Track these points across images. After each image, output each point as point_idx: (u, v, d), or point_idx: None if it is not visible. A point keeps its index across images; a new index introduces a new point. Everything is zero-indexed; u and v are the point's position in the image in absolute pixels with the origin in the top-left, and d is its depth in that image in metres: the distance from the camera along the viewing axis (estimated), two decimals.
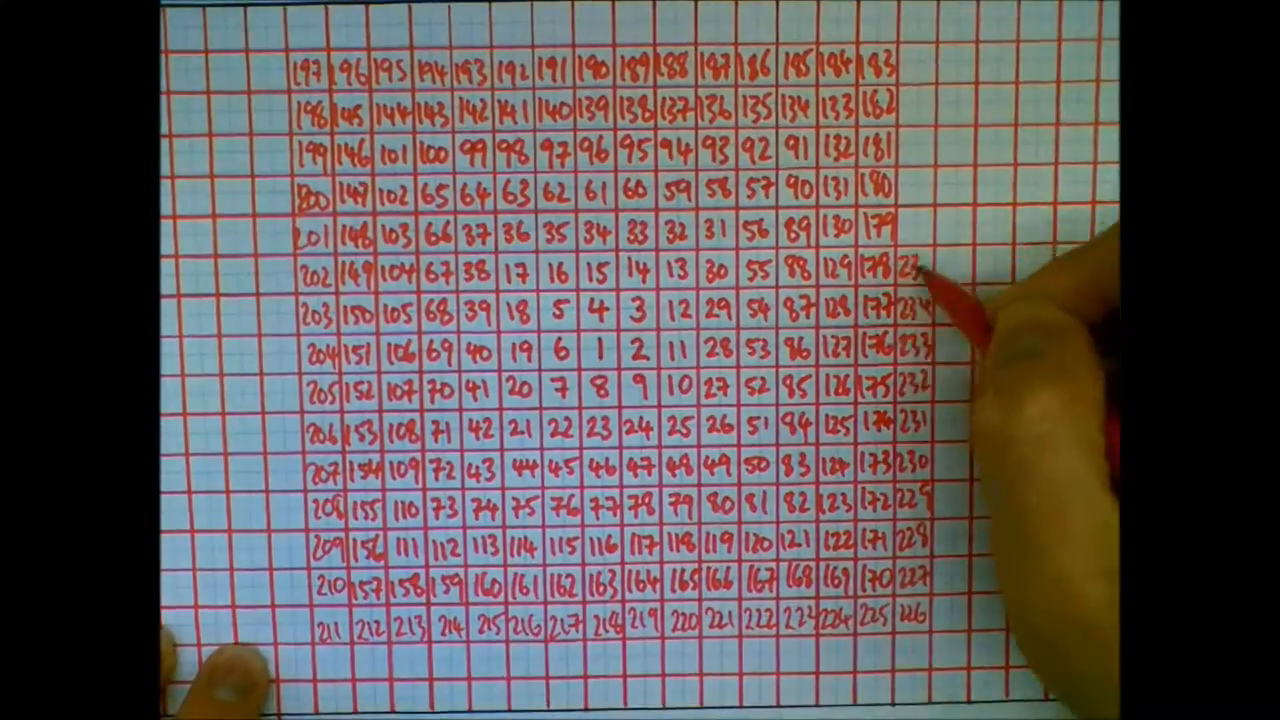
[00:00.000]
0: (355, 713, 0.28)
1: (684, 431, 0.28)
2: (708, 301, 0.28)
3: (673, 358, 0.28)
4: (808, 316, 0.28)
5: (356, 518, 0.28)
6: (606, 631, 0.28)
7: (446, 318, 0.28)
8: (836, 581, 0.28)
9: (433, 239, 0.27)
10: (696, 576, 0.28)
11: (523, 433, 0.28)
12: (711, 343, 0.28)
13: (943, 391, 0.28)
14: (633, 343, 0.28)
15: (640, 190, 0.27)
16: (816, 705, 0.28)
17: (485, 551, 0.28)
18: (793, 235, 0.27)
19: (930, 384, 0.28)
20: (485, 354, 0.28)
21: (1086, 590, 0.19)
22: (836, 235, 0.27)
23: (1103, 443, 0.21)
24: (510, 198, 0.27)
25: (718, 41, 0.27)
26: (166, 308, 0.28)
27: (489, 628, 0.28)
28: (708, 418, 0.28)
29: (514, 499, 0.28)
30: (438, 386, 0.28)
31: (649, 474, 0.28)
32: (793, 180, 0.27)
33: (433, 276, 0.28)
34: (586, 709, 0.28)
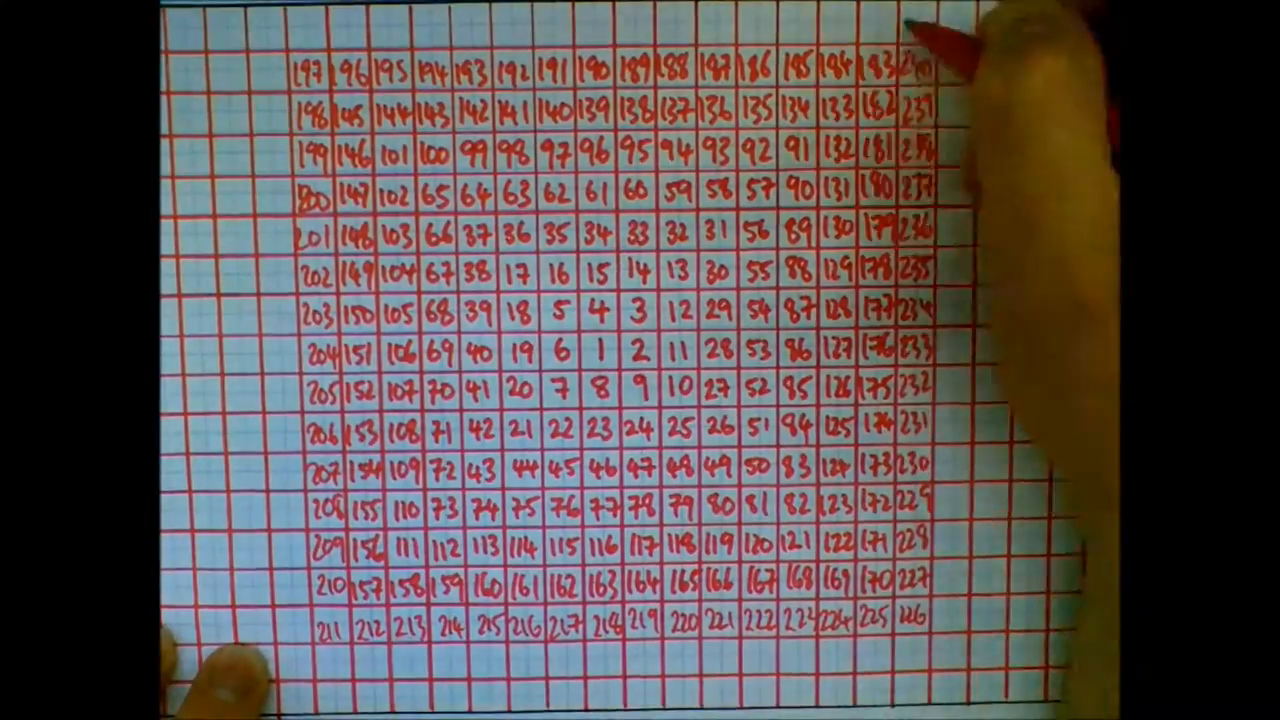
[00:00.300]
0: (355, 713, 0.29)
1: (684, 432, 0.28)
2: (708, 302, 0.28)
3: (673, 359, 0.28)
4: (808, 318, 0.28)
5: (356, 518, 0.28)
6: (606, 632, 0.28)
7: (447, 318, 0.28)
8: (836, 583, 0.28)
9: (433, 239, 0.27)
10: (696, 577, 0.28)
11: (523, 433, 0.28)
12: (712, 344, 0.28)
13: (943, 393, 0.28)
14: (633, 343, 0.28)
15: (641, 191, 0.27)
16: (816, 706, 0.28)
17: (485, 552, 0.28)
18: (793, 236, 0.27)
19: (931, 386, 0.28)
20: (486, 354, 0.28)
21: (1085, 266, 0.19)
22: (837, 236, 0.27)
23: (1105, 118, 0.20)
24: (511, 198, 0.27)
25: (718, 42, 0.27)
26: (167, 308, 0.28)
27: (489, 628, 0.28)
28: (708, 419, 0.28)
29: (514, 499, 0.28)
30: (438, 387, 0.28)
31: (649, 475, 0.28)
32: (793, 181, 0.27)
33: (433, 277, 0.28)
34: (586, 709, 0.28)
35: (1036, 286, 0.20)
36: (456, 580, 0.28)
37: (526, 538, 0.28)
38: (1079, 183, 0.19)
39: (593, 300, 0.28)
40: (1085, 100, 0.20)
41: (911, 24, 0.26)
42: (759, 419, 0.28)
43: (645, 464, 0.28)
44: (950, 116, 0.27)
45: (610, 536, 0.28)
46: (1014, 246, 0.20)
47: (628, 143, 0.27)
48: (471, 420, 0.28)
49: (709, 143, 0.27)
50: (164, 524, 0.28)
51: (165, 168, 0.27)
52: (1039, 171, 0.20)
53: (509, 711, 0.29)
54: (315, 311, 0.28)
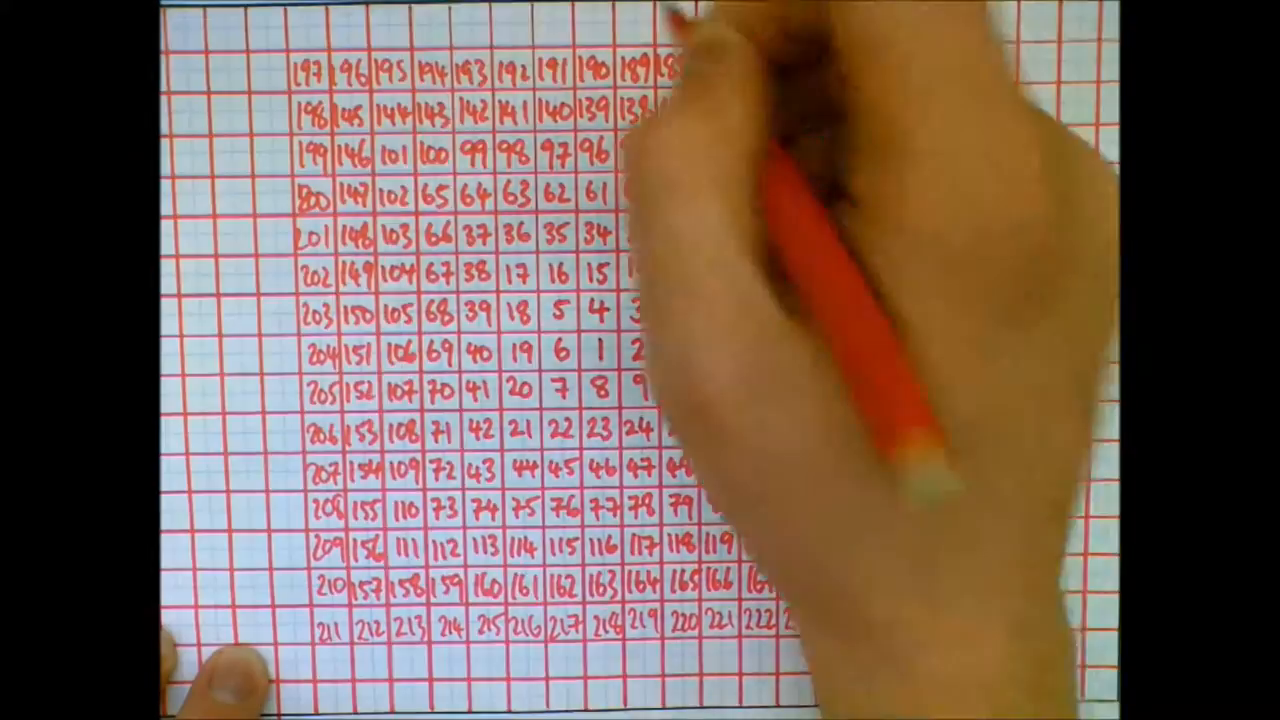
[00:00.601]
0: (355, 713, 0.29)
1: None
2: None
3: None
4: None
5: (356, 518, 0.28)
6: (606, 632, 0.28)
7: (447, 318, 0.28)
8: None
9: (433, 239, 0.27)
10: (696, 577, 0.28)
11: (523, 433, 0.28)
12: None
13: None
14: (633, 343, 0.28)
15: None
16: (815, 706, 0.28)
17: (485, 552, 0.28)
18: None
19: None
20: (486, 354, 0.28)
21: (708, 364, 0.16)
22: None
23: (752, 195, 0.17)
24: (511, 198, 0.27)
25: None
26: (167, 308, 0.28)
27: (489, 628, 0.28)
28: None
29: (514, 499, 0.28)
30: (438, 387, 0.28)
31: (649, 475, 0.28)
32: None
33: (433, 277, 0.28)
34: (586, 709, 0.28)
35: (664, 373, 0.17)
36: (456, 580, 0.28)
37: (526, 538, 0.28)
38: (705, 268, 0.16)
39: (593, 300, 0.28)
40: (721, 176, 0.16)
41: (669, 11, 0.22)
42: None
43: (645, 464, 0.28)
44: None
45: (610, 536, 0.28)
46: (646, 326, 0.17)
47: None
48: (471, 420, 0.28)
49: None
50: (164, 524, 0.28)
51: (165, 168, 0.27)
52: (661, 249, 0.16)
53: (509, 711, 0.29)
54: (315, 311, 0.28)
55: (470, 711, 0.29)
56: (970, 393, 0.15)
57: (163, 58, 0.27)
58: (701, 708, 0.28)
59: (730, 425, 0.16)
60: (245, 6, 0.27)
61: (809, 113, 0.18)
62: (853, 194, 0.16)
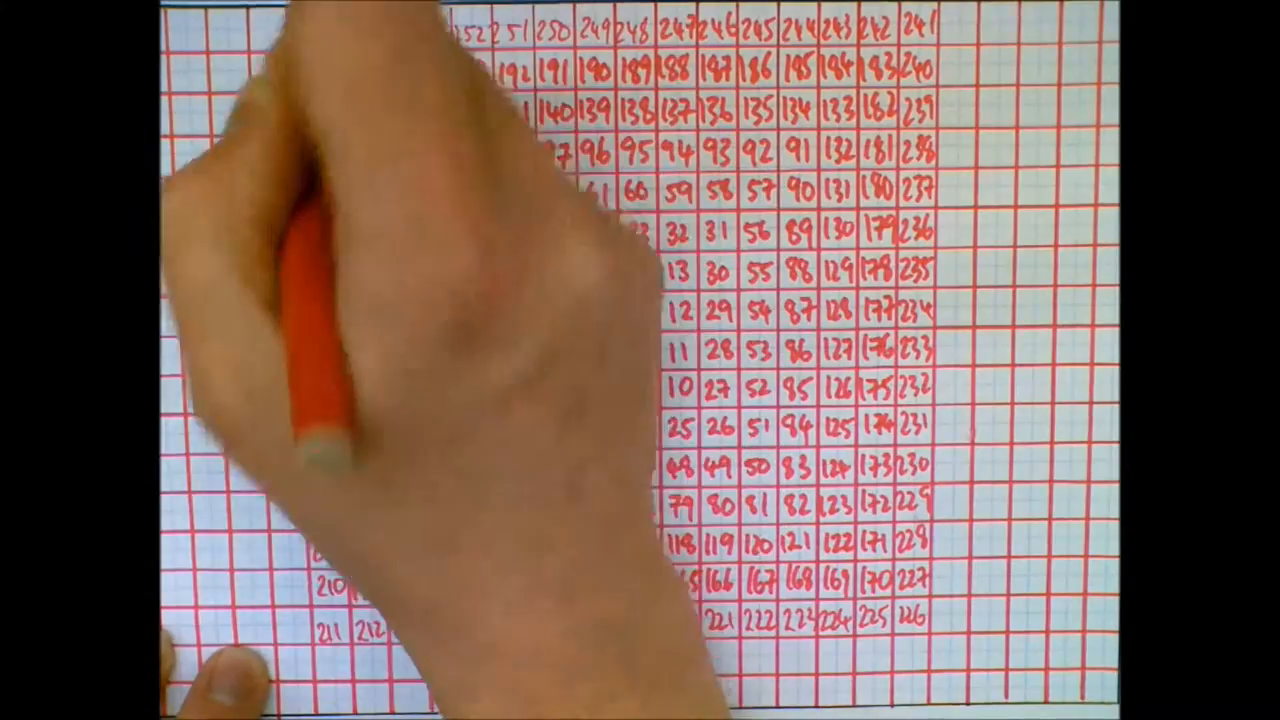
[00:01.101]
0: (355, 713, 0.28)
1: (684, 433, 0.28)
2: (708, 303, 0.28)
3: (673, 359, 0.28)
4: (809, 319, 0.28)
5: None
6: None
7: None
8: (836, 583, 0.28)
9: None
10: (696, 578, 0.28)
11: None
12: (712, 344, 0.28)
13: (943, 394, 0.28)
14: None
15: (641, 192, 0.27)
16: (816, 706, 0.28)
17: None
18: (794, 237, 0.27)
19: (931, 387, 0.28)
20: None
21: (219, 391, 0.19)
22: (838, 238, 0.27)
23: (261, 249, 0.19)
24: None
25: (719, 44, 0.27)
26: (166, 308, 0.27)
27: None
28: (708, 419, 0.28)
29: None
30: None
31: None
32: (794, 182, 0.27)
33: None
34: None
35: (194, 391, 0.19)
36: None
37: None
38: (213, 315, 0.19)
39: None
40: (223, 232, 0.19)
41: None
42: (759, 420, 0.28)
43: None
44: (951, 119, 0.27)
45: None
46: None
47: (628, 144, 0.27)
48: None
49: (710, 144, 0.27)
50: (164, 525, 0.28)
51: (165, 168, 0.27)
52: (180, 296, 0.19)
53: None
54: None
55: None
56: (417, 415, 0.18)
57: (163, 58, 0.27)
58: None
59: (243, 431, 0.19)
60: (246, 7, 0.27)
61: None
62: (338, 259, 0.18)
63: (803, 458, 0.28)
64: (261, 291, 0.19)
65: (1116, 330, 0.27)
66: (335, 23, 0.17)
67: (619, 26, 0.27)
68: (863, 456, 0.28)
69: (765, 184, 0.27)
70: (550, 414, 0.19)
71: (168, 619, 0.28)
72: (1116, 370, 0.27)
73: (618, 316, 0.19)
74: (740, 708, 0.28)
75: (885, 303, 0.28)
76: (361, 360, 0.18)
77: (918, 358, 0.28)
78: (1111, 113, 0.27)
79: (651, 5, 0.27)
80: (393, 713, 0.29)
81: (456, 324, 0.17)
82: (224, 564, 0.28)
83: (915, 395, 0.28)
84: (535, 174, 0.19)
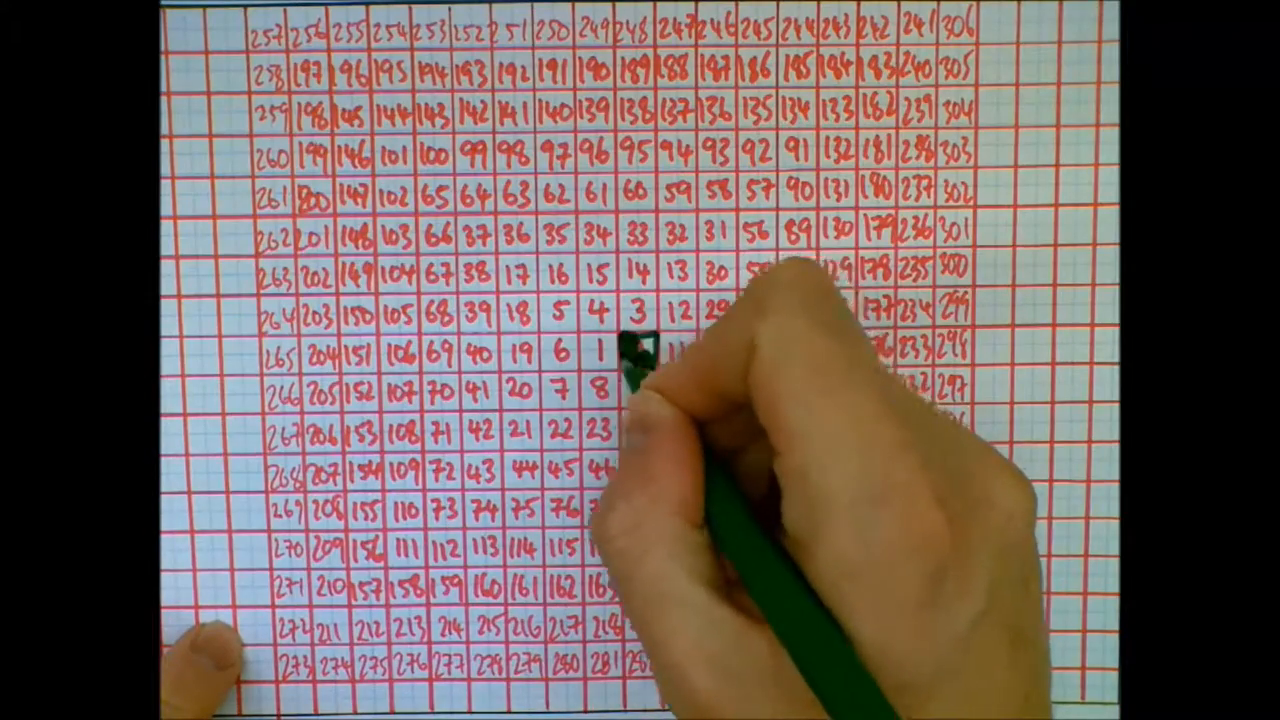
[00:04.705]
0: (355, 713, 0.29)
1: None
2: (708, 303, 0.28)
3: (673, 359, 0.28)
4: None
5: (356, 518, 0.28)
6: (606, 633, 0.28)
7: (447, 319, 0.28)
8: None
9: (433, 240, 0.27)
10: None
11: (523, 434, 0.28)
12: None
13: (943, 393, 0.28)
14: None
15: (641, 192, 0.27)
16: None
17: (485, 552, 0.28)
18: (793, 237, 0.27)
19: (930, 386, 0.28)
20: (485, 355, 0.28)
21: (694, 681, 0.19)
22: (837, 237, 0.27)
23: (692, 536, 0.21)
24: (510, 199, 0.27)
25: (718, 44, 0.27)
26: (167, 308, 0.28)
27: (489, 628, 0.28)
28: None
29: (514, 500, 0.28)
30: (438, 387, 0.28)
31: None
32: (793, 182, 0.27)
33: (433, 277, 0.28)
34: (586, 710, 0.28)
35: (662, 687, 0.20)
36: (456, 581, 0.28)
37: (526, 538, 0.28)
38: (671, 609, 0.20)
39: (593, 301, 0.28)
40: (662, 533, 0.21)
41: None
42: None
43: None
44: (949, 119, 0.27)
45: None
46: (645, 647, 0.21)
47: (627, 143, 0.27)
48: (471, 421, 0.28)
49: (709, 143, 0.27)
50: (164, 525, 0.28)
51: (165, 168, 0.27)
52: (638, 603, 0.20)
53: (509, 712, 0.29)
54: (315, 312, 0.28)
55: (470, 711, 0.29)
56: (906, 668, 0.18)
57: (163, 58, 0.27)
58: None
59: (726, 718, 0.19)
60: (245, 6, 0.27)
61: (756, 426, 0.21)
62: (788, 532, 0.19)
63: None
64: (707, 575, 0.20)
65: (1116, 330, 0.27)
66: (798, 318, 0.20)
67: (618, 26, 0.27)
68: None
69: (764, 184, 0.27)
70: (1001, 644, 0.19)
71: (168, 618, 0.28)
72: (1116, 370, 0.27)
73: (1031, 539, 0.20)
74: None
75: (884, 302, 0.28)
76: (853, 623, 0.18)
77: (916, 357, 0.28)
78: (1111, 112, 0.27)
79: (650, 5, 0.27)
80: (393, 713, 0.29)
81: (930, 577, 0.18)
82: (224, 564, 0.28)
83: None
84: (930, 411, 0.21)
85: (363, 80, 0.27)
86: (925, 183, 0.27)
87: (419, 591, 0.28)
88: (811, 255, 0.28)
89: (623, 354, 0.27)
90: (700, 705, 0.19)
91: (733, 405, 0.22)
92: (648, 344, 0.27)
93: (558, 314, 0.28)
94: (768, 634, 0.19)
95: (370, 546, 0.28)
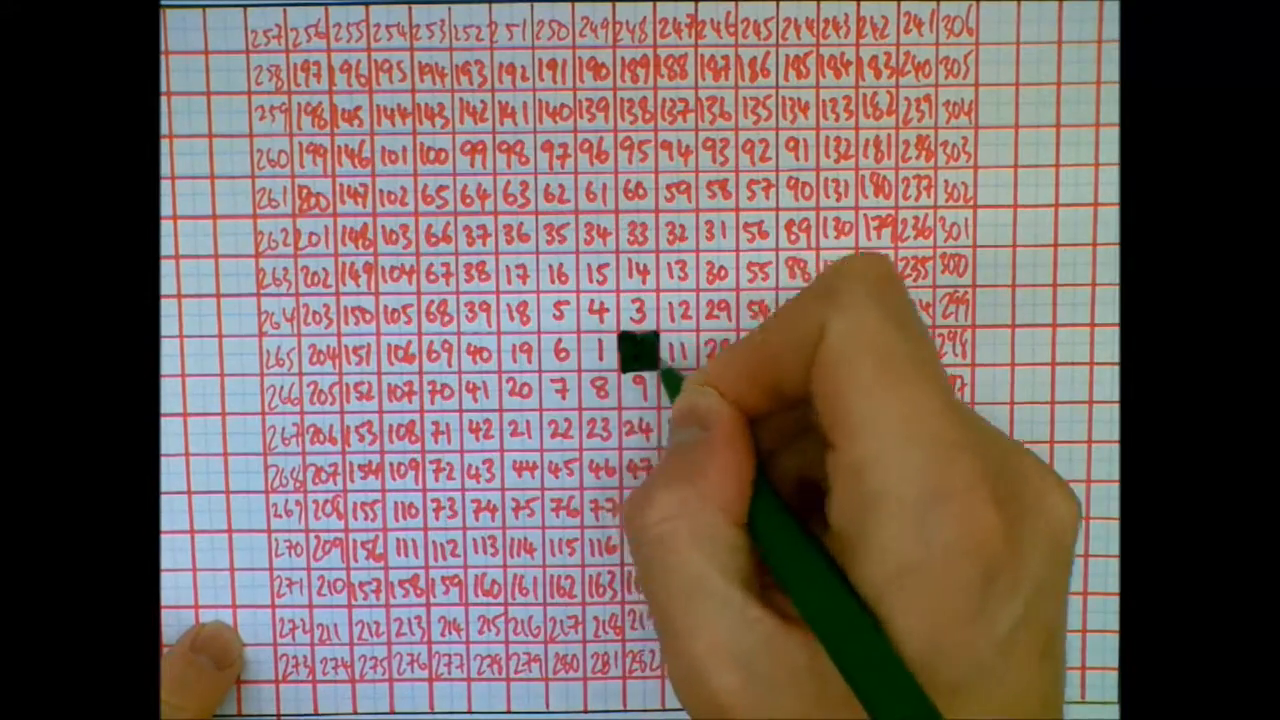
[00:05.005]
0: (355, 713, 0.29)
1: None
2: (708, 303, 0.28)
3: (673, 359, 0.28)
4: None
5: (356, 518, 0.28)
6: (606, 633, 0.28)
7: (447, 319, 0.28)
8: None
9: (433, 240, 0.27)
10: None
11: (523, 434, 0.28)
12: (711, 344, 0.28)
13: None
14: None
15: (640, 192, 0.27)
16: None
17: (485, 552, 0.28)
18: (793, 237, 0.27)
19: None
20: (485, 355, 0.28)
21: (717, 679, 0.19)
22: (837, 238, 0.27)
23: (733, 536, 0.21)
24: (510, 199, 0.27)
25: (718, 44, 0.27)
26: (167, 308, 0.28)
27: (489, 628, 0.28)
28: None
29: (514, 500, 0.28)
30: (438, 387, 0.28)
31: (649, 475, 0.28)
32: (793, 182, 0.27)
33: (433, 277, 0.28)
34: (586, 710, 0.28)
35: (681, 684, 0.20)
36: (456, 581, 0.28)
37: (526, 538, 0.28)
38: (700, 605, 0.20)
39: (592, 301, 0.28)
40: (701, 529, 0.20)
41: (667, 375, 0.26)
42: None
43: (645, 464, 0.28)
44: (949, 119, 0.27)
45: (610, 537, 0.28)
46: (662, 644, 0.21)
47: (627, 143, 0.27)
48: (471, 421, 0.28)
49: (709, 143, 0.27)
50: (164, 525, 0.28)
51: (165, 168, 0.27)
52: (665, 595, 0.20)
53: (509, 712, 0.29)
54: (315, 312, 0.28)
55: (470, 711, 0.29)
56: (949, 669, 0.18)
57: (163, 58, 0.27)
58: None
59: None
60: (245, 6, 0.27)
61: (791, 430, 0.22)
62: (830, 523, 0.19)
63: None
64: (744, 575, 0.20)
65: (1116, 330, 0.27)
66: (869, 311, 0.19)
67: (618, 26, 0.27)
68: None
69: (764, 184, 0.27)
70: (1035, 649, 0.19)
71: (168, 618, 0.28)
72: (1116, 370, 0.27)
73: (1074, 548, 0.20)
74: None
75: None
76: (902, 622, 0.18)
77: None
78: (1111, 112, 0.27)
79: (650, 4, 0.27)
80: (393, 713, 0.29)
81: (983, 578, 0.18)
82: (224, 564, 0.28)
83: None
84: (980, 417, 0.20)
85: (362, 80, 0.27)
86: (925, 183, 0.27)
87: (419, 591, 0.28)
88: (812, 255, 0.28)
89: (633, 355, 0.27)
90: (718, 704, 0.19)
91: (781, 402, 0.21)
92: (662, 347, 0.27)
93: (558, 314, 0.28)
94: (800, 637, 0.19)
95: (370, 546, 0.28)
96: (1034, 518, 0.19)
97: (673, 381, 0.25)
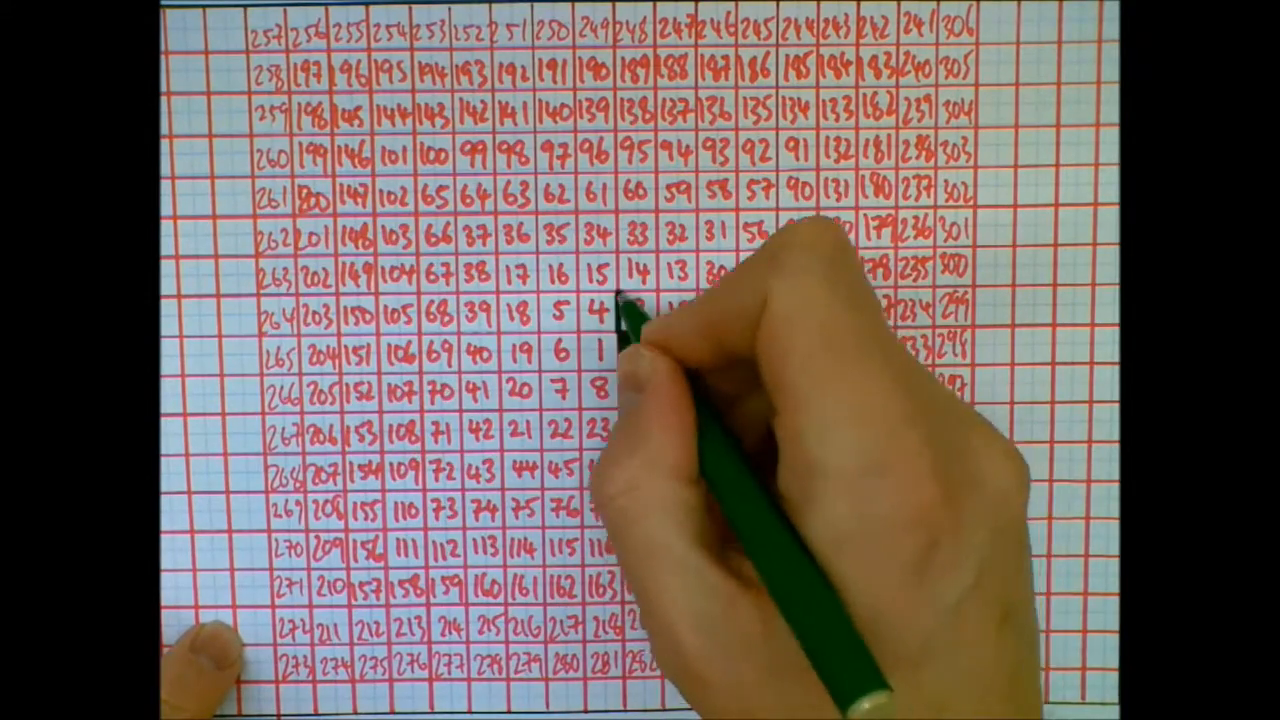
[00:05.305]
0: (355, 713, 0.29)
1: None
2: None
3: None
4: None
5: (356, 518, 0.28)
6: (606, 633, 0.28)
7: (447, 319, 0.28)
8: None
9: (433, 240, 0.27)
10: None
11: (523, 434, 0.28)
12: None
13: None
14: None
15: (640, 192, 0.27)
16: None
17: (485, 552, 0.28)
18: None
19: None
20: (485, 355, 0.28)
21: (685, 641, 0.19)
22: None
23: (688, 495, 0.21)
24: (510, 199, 0.27)
25: (718, 44, 0.27)
26: (167, 308, 0.28)
27: (489, 628, 0.28)
28: None
29: (514, 500, 0.28)
30: (438, 387, 0.28)
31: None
32: (793, 182, 0.27)
33: (433, 277, 0.28)
34: (586, 710, 0.28)
35: (656, 647, 0.21)
36: (456, 581, 0.28)
37: (526, 538, 0.28)
38: (666, 569, 0.20)
39: (592, 301, 0.28)
40: (657, 495, 0.20)
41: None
42: None
43: None
44: (949, 119, 0.27)
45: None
46: (640, 608, 0.21)
47: (627, 143, 0.27)
48: (471, 421, 0.28)
49: (709, 143, 0.27)
50: (164, 525, 0.28)
51: (165, 168, 0.27)
52: (633, 561, 0.20)
53: (509, 712, 0.29)
54: (315, 312, 0.28)
55: (470, 711, 0.29)
56: (894, 639, 0.18)
57: (163, 58, 0.27)
58: None
59: (713, 681, 0.19)
60: (245, 6, 0.27)
61: (747, 381, 0.21)
62: (779, 491, 0.19)
63: None
64: (701, 535, 0.20)
65: (1116, 330, 0.27)
66: (815, 281, 0.19)
67: (618, 26, 0.27)
68: None
69: (764, 184, 0.27)
70: (990, 620, 0.19)
71: (168, 618, 0.28)
72: (1116, 370, 0.27)
73: (1024, 517, 0.20)
74: None
75: (884, 302, 0.28)
76: (845, 592, 0.18)
77: (917, 357, 0.28)
78: (1111, 111, 0.27)
79: (650, 5, 0.27)
80: (393, 713, 0.29)
81: (922, 550, 0.18)
82: (224, 564, 0.28)
83: None
84: (932, 383, 0.20)
85: (363, 80, 0.27)
86: (925, 183, 0.27)
87: (419, 591, 0.28)
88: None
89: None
90: (689, 666, 0.20)
91: (735, 359, 0.21)
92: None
93: (558, 314, 0.28)
94: (757, 601, 0.19)
95: (370, 546, 0.28)
96: (977, 488, 0.19)
97: (634, 326, 0.25)
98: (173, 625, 0.28)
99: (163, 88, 0.27)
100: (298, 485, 0.28)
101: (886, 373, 0.19)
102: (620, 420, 0.22)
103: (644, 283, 0.28)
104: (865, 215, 0.27)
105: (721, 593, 0.19)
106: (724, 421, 0.22)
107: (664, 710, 0.28)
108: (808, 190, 0.27)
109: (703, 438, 0.21)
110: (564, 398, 0.28)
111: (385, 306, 0.28)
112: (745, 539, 0.19)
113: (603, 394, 0.28)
